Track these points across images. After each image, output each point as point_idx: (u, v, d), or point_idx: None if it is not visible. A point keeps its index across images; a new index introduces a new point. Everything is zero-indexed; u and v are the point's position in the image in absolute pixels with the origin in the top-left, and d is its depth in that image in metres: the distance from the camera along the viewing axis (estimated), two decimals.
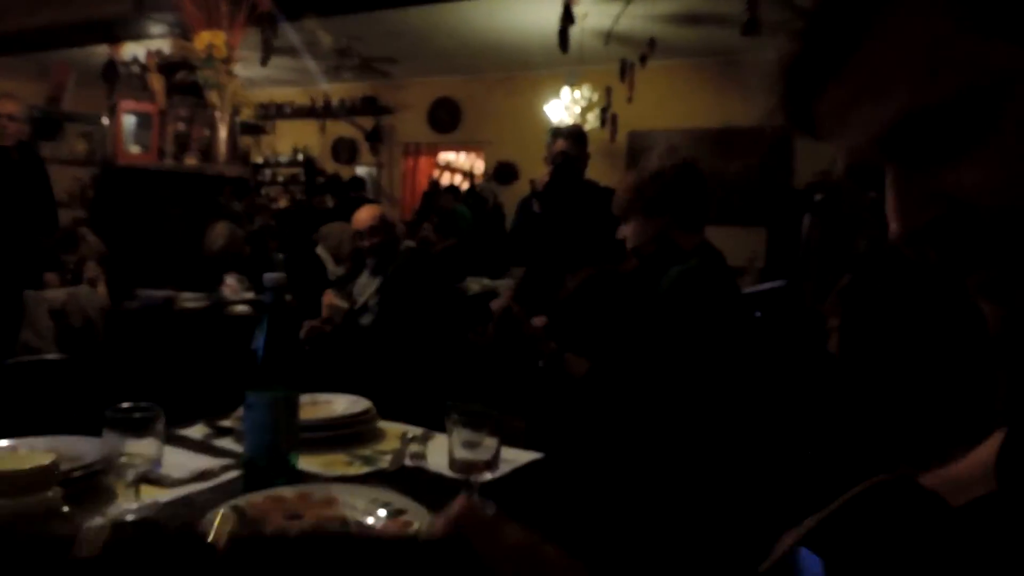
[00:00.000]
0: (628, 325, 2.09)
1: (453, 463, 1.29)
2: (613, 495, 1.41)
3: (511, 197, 7.74)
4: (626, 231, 2.11)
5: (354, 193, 8.37)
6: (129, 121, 5.61)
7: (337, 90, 10.78)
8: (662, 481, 1.68)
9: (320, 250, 5.43)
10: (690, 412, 1.85)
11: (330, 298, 3.53)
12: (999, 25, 0.48)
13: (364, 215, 3.58)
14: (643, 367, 1.91)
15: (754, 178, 8.29)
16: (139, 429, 1.17)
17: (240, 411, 1.49)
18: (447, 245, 7.66)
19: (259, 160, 11.28)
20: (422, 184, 10.67)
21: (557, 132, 3.56)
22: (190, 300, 4.21)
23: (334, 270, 5.29)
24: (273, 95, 11.29)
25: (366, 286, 3.62)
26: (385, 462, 1.53)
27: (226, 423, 1.71)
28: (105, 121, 6.43)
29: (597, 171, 3.94)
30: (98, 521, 1.11)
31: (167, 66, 5.58)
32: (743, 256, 6.84)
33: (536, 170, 3.65)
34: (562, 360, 2.10)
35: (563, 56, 6.45)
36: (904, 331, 2.55)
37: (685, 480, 1.71)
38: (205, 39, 5.17)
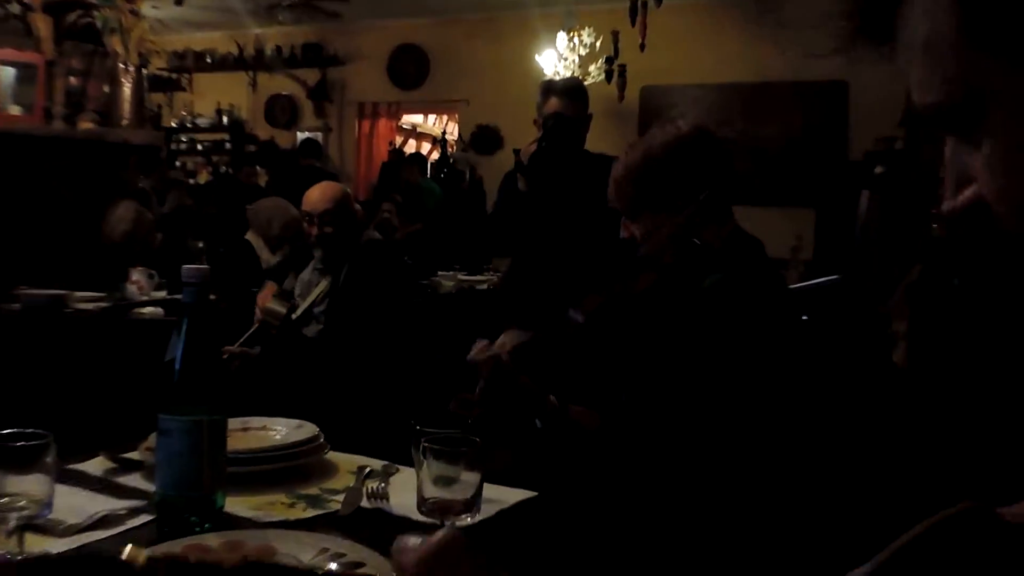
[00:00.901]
0: (655, 363, 2.03)
1: (422, 503, 1.30)
2: (626, 544, 1.42)
3: (493, 171, 7.78)
4: (634, 230, 2.05)
5: (306, 160, 8.32)
6: (7, 74, 5.58)
7: (272, 35, 10.77)
8: (694, 526, 1.68)
9: (251, 235, 5.42)
10: (736, 450, 1.83)
11: (266, 297, 3.49)
12: (986, 38, 0.56)
13: (318, 194, 3.53)
14: (681, 418, 1.87)
15: (798, 146, 8.37)
16: (23, 463, 1.16)
17: (151, 440, 1.48)
18: (411, 231, 7.68)
19: (173, 124, 11.27)
20: (381, 154, 10.69)
21: (550, 88, 3.56)
22: (86, 301, 4.18)
23: (269, 259, 5.27)
24: (190, 41, 11.26)
25: (310, 285, 3.62)
26: (337, 503, 1.54)
27: (133, 455, 1.71)
28: None
29: (602, 138, 3.95)
30: None
31: (55, 5, 5.55)
32: (785, 245, 6.87)
33: (525, 137, 3.66)
34: (566, 417, 2.06)
35: None
36: (989, 338, 2.57)
37: (725, 524, 1.72)
38: None
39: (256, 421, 1.85)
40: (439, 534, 0.92)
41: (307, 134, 10.69)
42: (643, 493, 1.82)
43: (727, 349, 1.84)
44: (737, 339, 1.86)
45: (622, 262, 2.23)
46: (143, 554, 0.93)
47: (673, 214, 1.99)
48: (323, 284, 3.55)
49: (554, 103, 3.48)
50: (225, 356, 3.32)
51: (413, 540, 0.93)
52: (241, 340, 3.43)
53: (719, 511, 1.74)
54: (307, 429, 1.81)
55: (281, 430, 1.82)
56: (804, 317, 3.05)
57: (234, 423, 1.69)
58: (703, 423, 1.84)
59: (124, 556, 0.93)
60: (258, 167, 9.07)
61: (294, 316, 3.49)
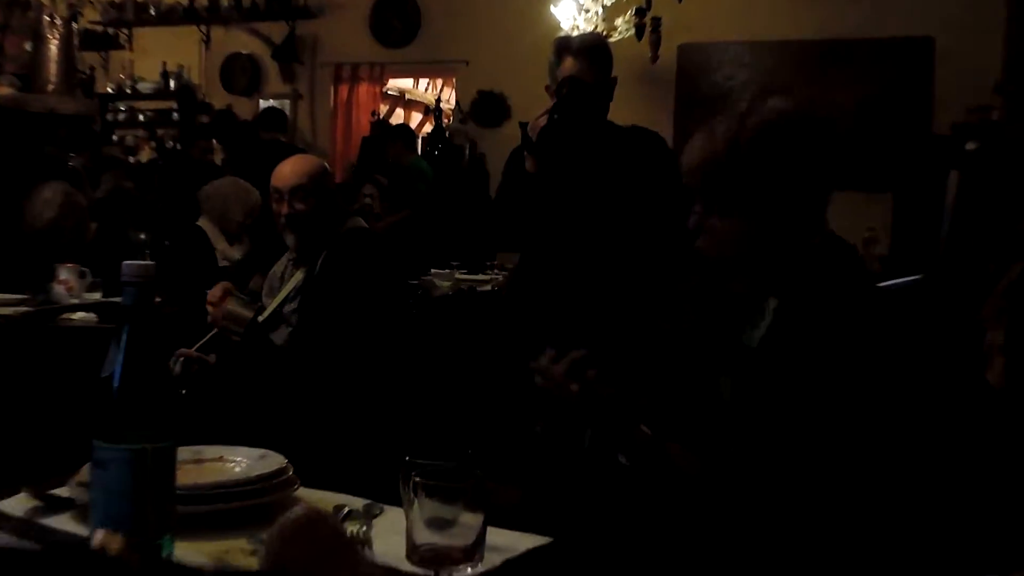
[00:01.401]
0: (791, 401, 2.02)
1: (413, 551, 1.30)
2: None
3: (497, 147, 7.73)
4: (718, 232, 2.01)
5: (268, 134, 8.34)
6: None
7: None
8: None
9: (204, 223, 5.43)
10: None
11: (218, 295, 3.44)
12: None
13: (290, 167, 3.52)
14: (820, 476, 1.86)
15: (871, 117, 8.32)
16: None
17: (84, 473, 1.48)
18: (396, 220, 7.68)
19: (109, 89, 11.26)
20: (361, 127, 10.67)
21: (566, 46, 3.54)
22: (3, 304, 4.18)
23: (227, 251, 5.27)
24: None
25: (281, 281, 3.61)
26: None
27: (62, 491, 1.70)
28: None
29: (630, 107, 3.95)
30: None
31: None
32: (856, 236, 6.77)
33: (535, 106, 3.63)
34: (662, 454, 2.02)
35: None
36: None
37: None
38: None
39: (212, 450, 1.85)
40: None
41: (271, 102, 10.67)
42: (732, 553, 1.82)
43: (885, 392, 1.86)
44: (888, 379, 1.87)
45: (662, 239, 2.19)
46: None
47: (765, 217, 1.98)
48: (297, 276, 3.54)
49: (571, 65, 3.45)
50: (177, 361, 3.31)
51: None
52: (198, 344, 3.41)
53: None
54: (273, 460, 1.80)
55: (242, 461, 1.82)
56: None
57: (184, 453, 1.68)
58: (842, 482, 1.84)
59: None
60: (214, 141, 9.04)
61: (261, 318, 3.47)
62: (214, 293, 3.44)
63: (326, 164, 3.68)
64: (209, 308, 3.44)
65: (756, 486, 1.90)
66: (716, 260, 2.02)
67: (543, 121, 3.39)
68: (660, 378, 2.31)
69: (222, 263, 5.22)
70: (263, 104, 10.49)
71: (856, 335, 1.90)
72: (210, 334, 3.43)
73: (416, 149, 9.70)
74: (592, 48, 3.53)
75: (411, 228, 7.63)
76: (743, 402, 2.02)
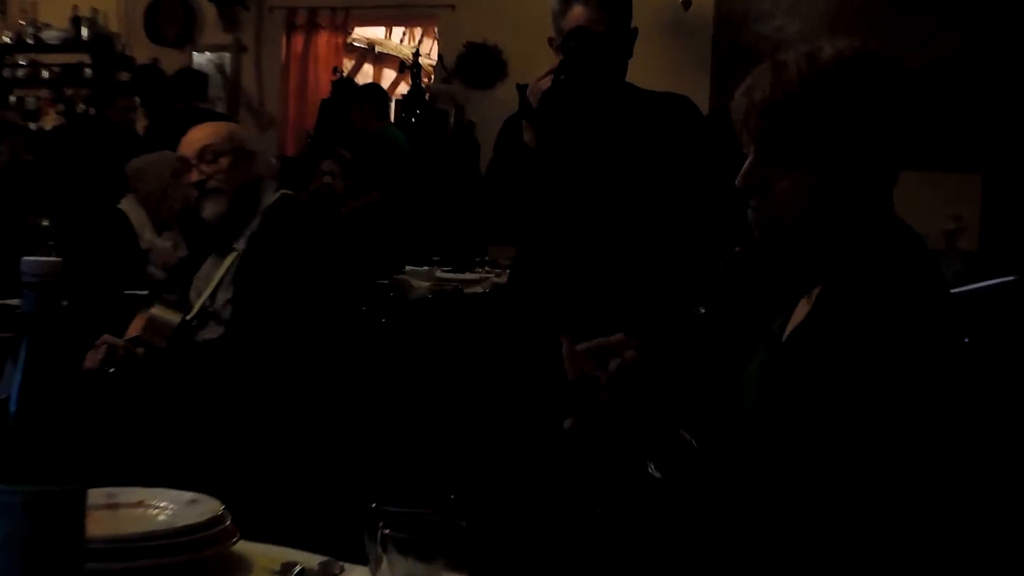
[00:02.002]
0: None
1: None
2: None
3: (489, 112, 7.74)
4: (779, 190, 2.06)
5: (183, 103, 8.37)
6: None
7: None
8: None
9: (128, 205, 5.43)
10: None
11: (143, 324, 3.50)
12: None
13: (198, 131, 3.63)
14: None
15: (955, 80, 8.30)
16: None
17: None
18: (363, 203, 7.67)
19: (6, 39, 11.24)
20: (321, 87, 10.67)
21: None
22: None
23: (154, 242, 5.24)
24: None
25: (208, 278, 3.66)
26: None
27: None
28: None
29: (655, 66, 3.94)
30: None
31: None
32: (937, 226, 6.88)
33: (536, 63, 3.63)
34: (706, 467, 2.05)
35: None
36: None
37: None
38: None
39: (130, 493, 1.84)
40: None
41: (208, 56, 10.68)
42: None
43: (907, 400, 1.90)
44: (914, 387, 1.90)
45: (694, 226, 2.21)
46: None
47: (836, 172, 2.04)
48: (223, 266, 3.60)
49: (579, 13, 3.44)
50: (100, 351, 3.38)
51: None
52: (126, 336, 3.49)
53: None
54: (206, 506, 1.79)
55: (167, 507, 1.82)
56: (965, 340, 3.07)
57: (97, 496, 1.67)
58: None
59: None
60: (137, 100, 9.01)
61: (187, 317, 3.54)
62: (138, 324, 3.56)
63: (242, 129, 3.83)
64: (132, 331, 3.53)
65: (773, 500, 1.94)
66: (772, 227, 2.07)
67: (546, 83, 3.38)
68: (690, 374, 2.34)
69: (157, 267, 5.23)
70: (197, 59, 10.48)
71: (904, 348, 1.91)
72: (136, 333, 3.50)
73: (389, 116, 9.68)
74: None
75: (381, 214, 7.62)
76: (766, 408, 2.07)
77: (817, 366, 1.96)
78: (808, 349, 2.00)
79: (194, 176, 3.56)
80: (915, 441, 1.90)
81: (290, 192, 3.80)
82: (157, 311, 3.52)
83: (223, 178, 3.55)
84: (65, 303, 1.40)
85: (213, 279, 3.61)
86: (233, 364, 3.38)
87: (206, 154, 3.55)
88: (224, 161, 3.55)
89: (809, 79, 2.02)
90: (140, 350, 3.47)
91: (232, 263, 3.57)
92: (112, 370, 3.38)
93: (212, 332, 3.54)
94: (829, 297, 2.05)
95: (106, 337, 3.42)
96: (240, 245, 3.56)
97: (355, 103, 8.95)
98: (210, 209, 3.58)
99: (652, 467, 2.03)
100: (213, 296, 3.58)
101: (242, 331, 3.44)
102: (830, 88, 2.02)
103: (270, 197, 3.67)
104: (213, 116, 7.44)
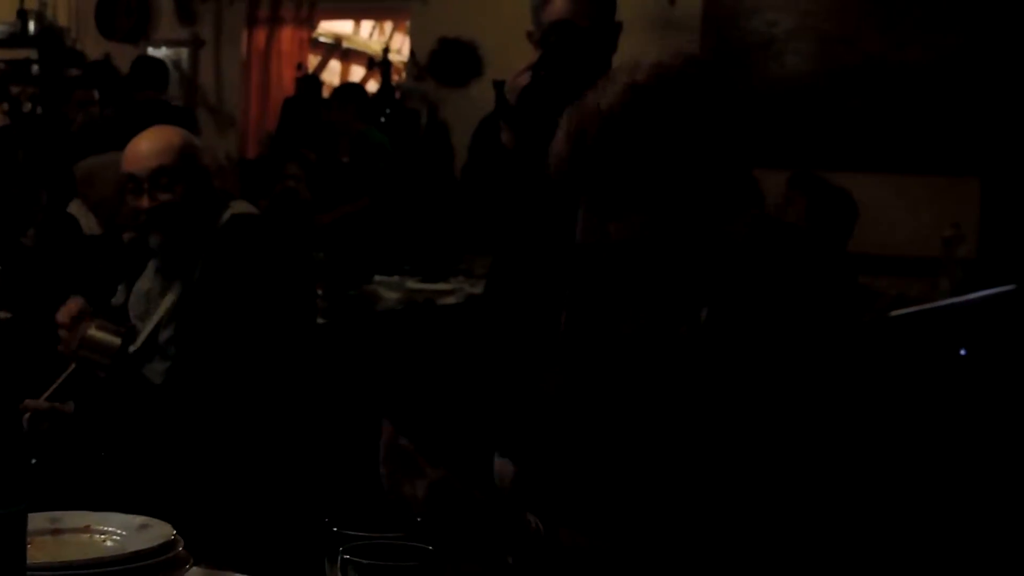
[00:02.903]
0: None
1: None
2: None
3: (464, 112, 7.76)
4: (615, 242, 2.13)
5: (142, 94, 8.30)
6: None
7: None
8: None
9: (77, 209, 5.45)
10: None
11: (71, 313, 3.42)
12: None
13: (146, 145, 3.54)
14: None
15: (954, 79, 8.36)
16: None
17: None
18: (355, 210, 7.66)
19: None
20: (284, 85, 10.78)
21: None
22: None
23: None
24: None
25: (151, 300, 3.63)
26: None
27: None
28: None
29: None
30: None
31: None
32: (933, 232, 6.91)
33: (515, 59, 3.63)
34: (558, 548, 2.09)
35: None
36: None
37: None
38: None
39: (75, 518, 1.88)
40: None
41: (164, 50, 10.71)
42: None
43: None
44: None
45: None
46: None
47: (678, 203, 2.07)
48: (171, 296, 3.57)
49: (560, 6, 3.47)
50: (25, 415, 3.30)
51: None
52: (48, 391, 3.41)
53: None
54: (156, 531, 1.82)
55: (114, 533, 1.85)
56: (963, 352, 3.04)
57: (38, 521, 1.74)
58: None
59: None
60: (95, 94, 9.00)
61: (132, 349, 3.51)
62: (67, 311, 3.46)
63: (194, 139, 3.69)
64: (61, 333, 3.46)
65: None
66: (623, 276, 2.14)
67: (525, 79, 3.39)
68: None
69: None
70: (152, 54, 10.52)
71: (797, 341, 2.01)
72: (65, 373, 3.45)
73: (372, 120, 9.63)
74: None
75: (368, 222, 7.61)
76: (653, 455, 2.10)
77: (713, 377, 2.01)
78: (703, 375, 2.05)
79: (145, 203, 3.49)
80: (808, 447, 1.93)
81: (242, 212, 3.75)
82: (94, 331, 3.45)
83: (176, 209, 3.49)
84: (4, 315, 1.37)
85: (160, 309, 3.59)
86: (180, 406, 3.38)
87: (159, 178, 3.47)
88: (180, 190, 3.49)
89: (607, 119, 2.07)
90: (69, 405, 3.42)
91: (179, 296, 3.56)
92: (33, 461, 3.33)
93: (158, 368, 3.53)
94: (717, 317, 2.07)
95: (28, 402, 3.34)
96: (187, 275, 3.55)
97: (336, 103, 8.97)
98: (157, 240, 3.56)
99: (508, 558, 2.09)
100: (157, 328, 3.57)
101: (190, 377, 3.43)
102: (630, 120, 2.06)
103: (222, 215, 3.64)
104: (174, 110, 7.44)
